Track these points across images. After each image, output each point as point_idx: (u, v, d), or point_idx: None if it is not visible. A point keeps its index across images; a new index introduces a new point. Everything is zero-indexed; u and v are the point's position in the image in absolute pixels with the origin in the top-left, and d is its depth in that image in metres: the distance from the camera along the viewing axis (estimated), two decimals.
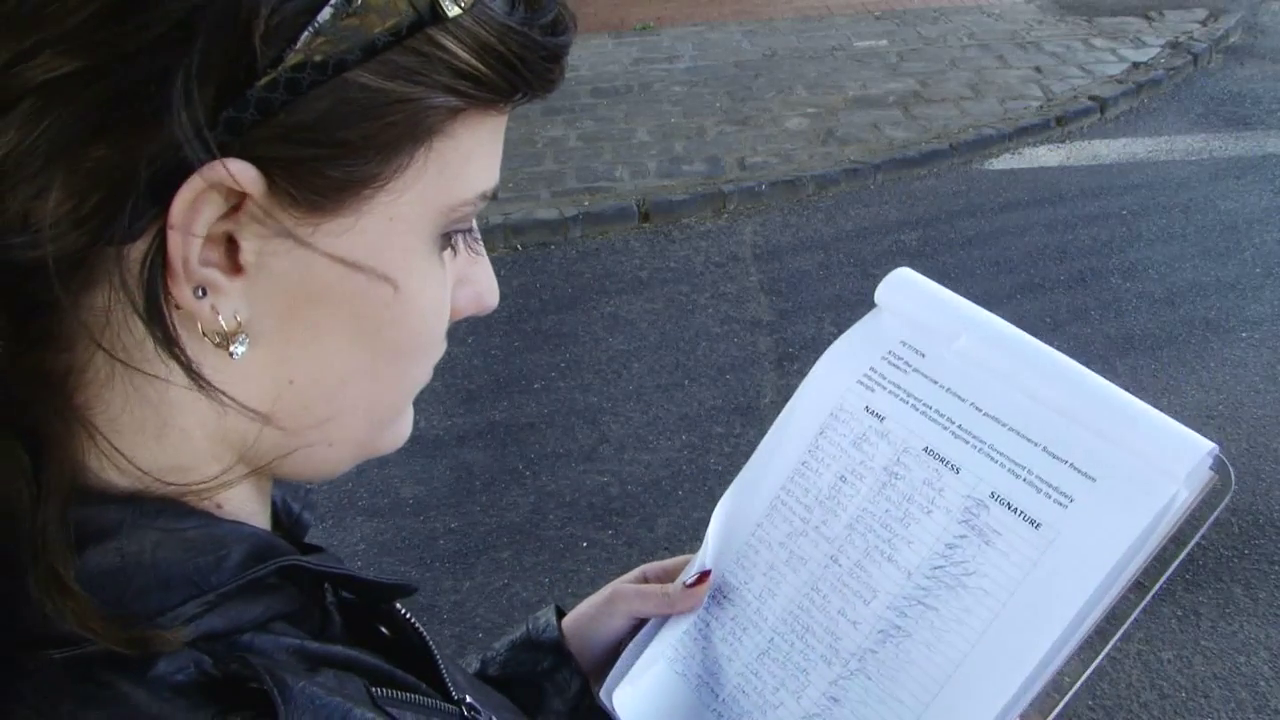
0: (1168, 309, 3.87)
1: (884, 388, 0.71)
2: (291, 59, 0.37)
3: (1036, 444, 0.64)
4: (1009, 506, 0.63)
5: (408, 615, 0.54)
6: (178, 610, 0.40)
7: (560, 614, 0.80)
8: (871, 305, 0.77)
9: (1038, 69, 5.98)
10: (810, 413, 0.75)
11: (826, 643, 0.68)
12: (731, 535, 0.77)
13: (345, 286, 0.42)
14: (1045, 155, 5.17)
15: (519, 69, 0.42)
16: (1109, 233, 4.41)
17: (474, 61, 0.40)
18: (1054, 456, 0.63)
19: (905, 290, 0.75)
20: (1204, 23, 6.44)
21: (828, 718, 0.67)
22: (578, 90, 6.07)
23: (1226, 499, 0.59)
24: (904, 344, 0.72)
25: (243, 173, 0.37)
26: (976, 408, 0.67)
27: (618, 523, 3.07)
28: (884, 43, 6.50)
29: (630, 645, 0.77)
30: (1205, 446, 0.59)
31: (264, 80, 0.37)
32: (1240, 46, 6.29)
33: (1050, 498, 0.62)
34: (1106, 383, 0.65)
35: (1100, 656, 0.60)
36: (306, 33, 0.37)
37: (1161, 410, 0.62)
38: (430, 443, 3.45)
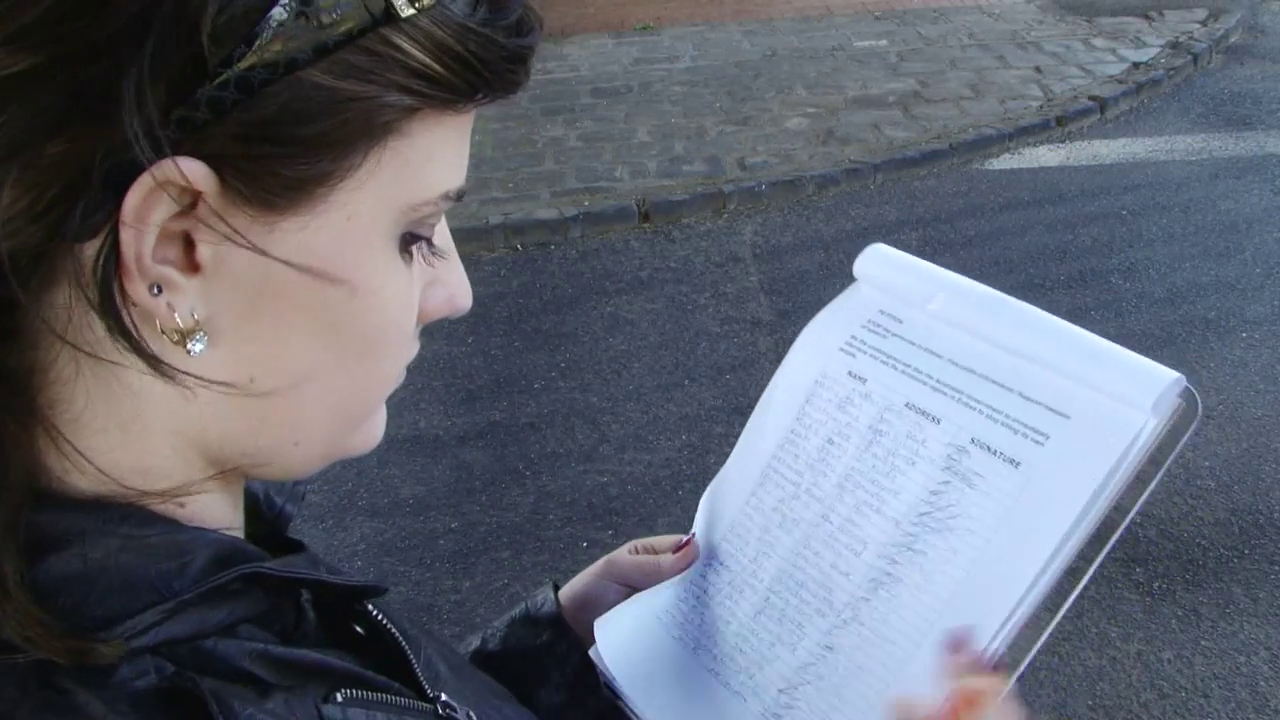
0: (1168, 309, 3.88)
1: (865, 353, 0.75)
2: (243, 58, 0.37)
3: (1010, 389, 0.68)
4: (988, 449, 0.66)
5: (379, 616, 0.53)
6: (139, 616, 0.40)
7: (556, 589, 0.82)
8: None
9: (1038, 69, 5.98)
10: (796, 383, 0.78)
11: (820, 596, 0.71)
12: (724, 509, 0.79)
13: (304, 284, 0.42)
14: (1045, 155, 5.17)
15: (478, 69, 0.42)
16: (1109, 233, 4.41)
17: (429, 61, 0.40)
18: (1027, 399, 0.67)
19: (881, 262, 0.78)
20: (1204, 23, 6.44)
21: (823, 666, 0.69)
22: (578, 90, 6.07)
23: (1194, 424, 0.62)
24: (882, 312, 0.76)
25: (194, 171, 0.38)
26: (952, 362, 0.71)
27: (618, 523, 3.07)
28: (884, 43, 6.50)
29: (627, 609, 0.79)
30: (1170, 376, 0.62)
31: (215, 79, 0.37)
32: (1240, 46, 6.29)
33: (1027, 437, 0.65)
34: (1073, 326, 0.68)
35: (1083, 581, 0.63)
36: (257, 32, 0.37)
37: None
38: (430, 443, 3.45)
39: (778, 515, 0.75)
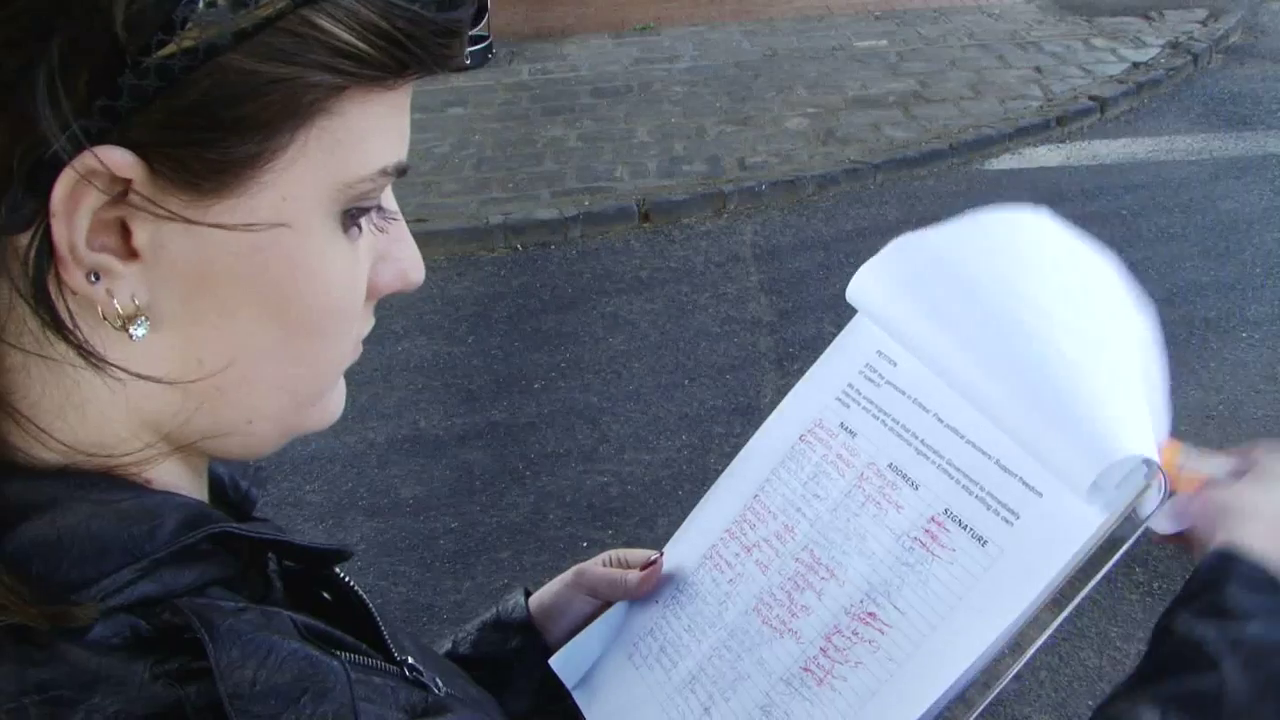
0: (1168, 309, 3.87)
1: (859, 404, 0.76)
2: (162, 46, 0.37)
3: (990, 456, 0.68)
4: (960, 524, 0.67)
5: (347, 579, 0.55)
6: (113, 576, 0.41)
7: (527, 594, 0.83)
8: None
9: (1038, 69, 5.98)
10: (791, 422, 0.80)
11: (771, 647, 0.72)
12: (700, 539, 0.81)
13: (244, 265, 0.42)
14: (1045, 155, 5.17)
15: (406, 46, 0.42)
16: (1109, 233, 4.40)
17: (353, 40, 0.40)
18: (1005, 470, 0.67)
19: (876, 287, 0.78)
20: (1204, 23, 6.44)
21: (777, 711, 0.70)
22: (578, 90, 6.07)
23: (1163, 501, 0.61)
24: (879, 354, 0.77)
25: (119, 159, 0.38)
26: (938, 419, 0.71)
27: (618, 523, 3.07)
28: (884, 43, 6.50)
29: (594, 624, 0.81)
30: (1139, 455, 0.60)
31: (136, 68, 0.37)
32: (1240, 46, 6.28)
33: (999, 515, 0.66)
34: (1065, 374, 0.65)
35: (1036, 645, 0.63)
36: (174, 20, 0.37)
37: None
38: (430, 443, 3.45)
39: (751, 555, 0.77)
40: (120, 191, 0.39)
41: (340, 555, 0.53)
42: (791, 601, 0.72)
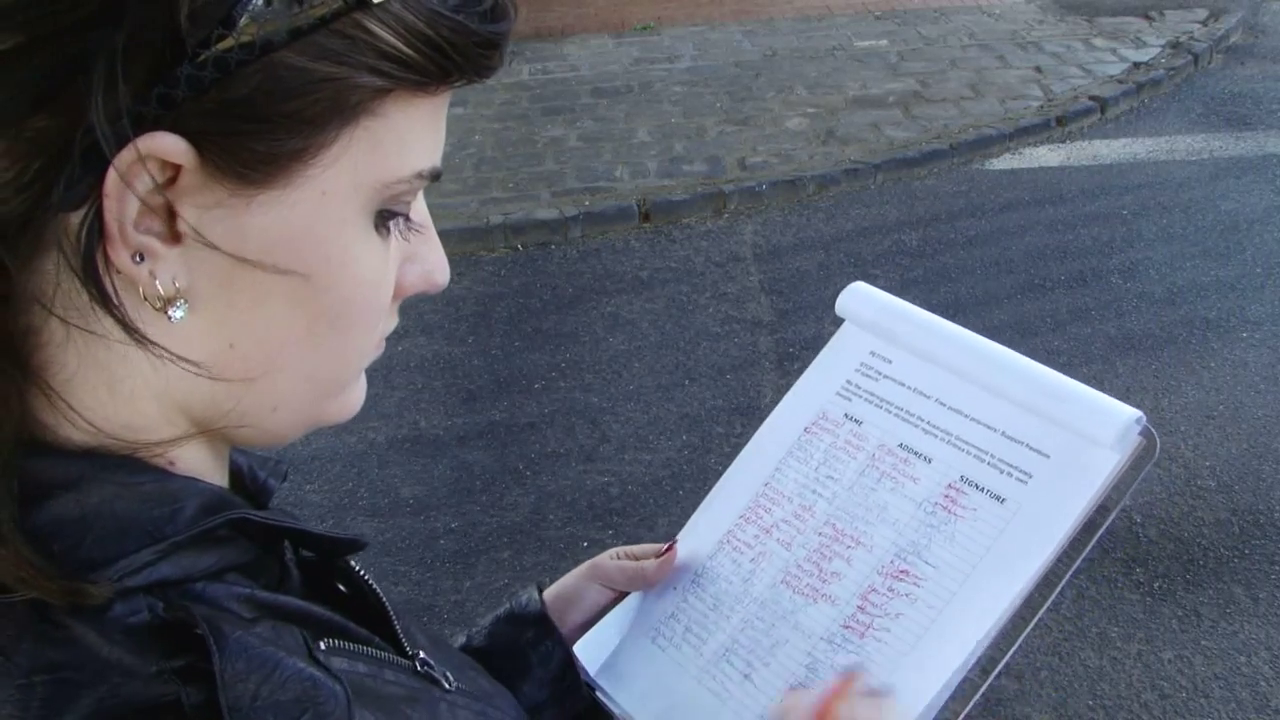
0: (1168, 309, 3.87)
1: (860, 396, 0.80)
2: (221, 40, 0.39)
3: (995, 429, 0.73)
4: (977, 486, 0.72)
5: (362, 572, 0.56)
6: (134, 556, 0.42)
7: (541, 590, 0.84)
8: None
9: (1038, 69, 5.98)
10: (794, 418, 0.83)
11: (809, 613, 0.74)
12: (716, 524, 0.82)
13: (279, 255, 0.44)
14: (1045, 155, 5.17)
15: (449, 54, 0.43)
16: (1109, 233, 4.41)
17: (399, 45, 0.42)
18: (1011, 439, 0.72)
19: (863, 302, 0.83)
20: (1204, 23, 6.44)
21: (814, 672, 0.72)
22: (578, 90, 6.07)
23: (1152, 461, 0.68)
24: (873, 354, 0.81)
25: (173, 146, 0.39)
26: (941, 403, 0.76)
27: (618, 523, 3.07)
28: (884, 43, 6.50)
29: (609, 615, 0.83)
30: (1133, 414, 0.67)
31: (194, 59, 0.38)
32: (1240, 46, 6.29)
33: (1012, 476, 0.71)
34: (1043, 367, 0.74)
35: (1041, 610, 0.68)
36: (234, 15, 0.39)
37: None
38: (430, 443, 3.45)
39: (768, 537, 0.79)
40: (170, 177, 0.40)
41: (354, 545, 0.54)
42: (820, 570, 0.74)
